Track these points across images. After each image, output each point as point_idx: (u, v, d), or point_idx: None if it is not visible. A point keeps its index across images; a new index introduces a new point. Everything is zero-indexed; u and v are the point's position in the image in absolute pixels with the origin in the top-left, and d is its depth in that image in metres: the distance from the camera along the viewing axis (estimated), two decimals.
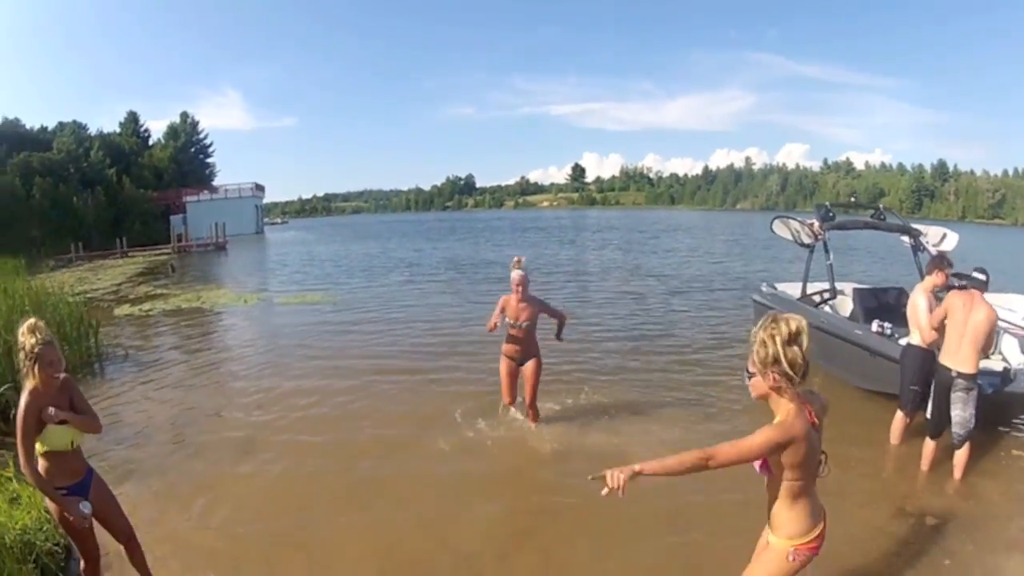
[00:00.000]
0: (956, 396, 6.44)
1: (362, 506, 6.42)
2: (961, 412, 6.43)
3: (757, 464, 3.36)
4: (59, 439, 4.14)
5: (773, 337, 3.16)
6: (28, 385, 4.09)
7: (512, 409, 8.42)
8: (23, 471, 4.05)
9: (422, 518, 6.15)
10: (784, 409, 3.25)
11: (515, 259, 7.93)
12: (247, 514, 6.15)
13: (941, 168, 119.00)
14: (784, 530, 3.40)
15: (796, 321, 3.17)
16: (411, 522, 6.08)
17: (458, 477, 7.01)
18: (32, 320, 4.20)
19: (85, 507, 4.18)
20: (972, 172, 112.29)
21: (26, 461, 4.00)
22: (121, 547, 4.70)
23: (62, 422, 4.11)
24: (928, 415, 6.86)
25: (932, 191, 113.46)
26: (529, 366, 8.03)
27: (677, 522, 5.84)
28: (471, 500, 6.52)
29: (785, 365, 3.14)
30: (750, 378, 3.32)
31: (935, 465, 6.80)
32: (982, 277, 6.60)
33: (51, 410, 4.06)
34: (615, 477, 3.19)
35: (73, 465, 4.29)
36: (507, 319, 7.84)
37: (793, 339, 3.14)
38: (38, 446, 4.08)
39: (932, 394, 6.77)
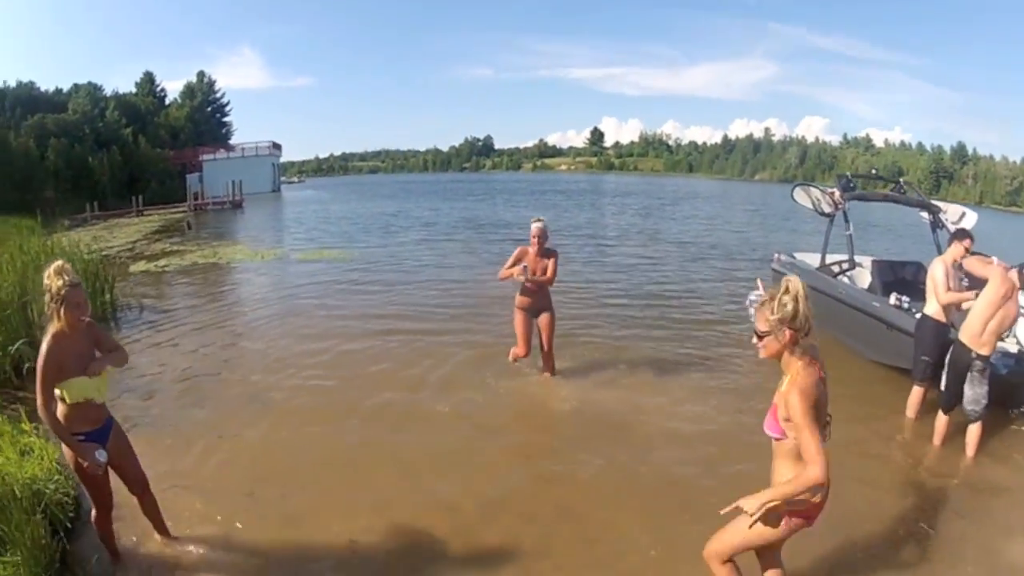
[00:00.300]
0: (973, 376, 6.41)
1: (381, 455, 6.50)
2: (977, 388, 6.40)
3: (768, 426, 3.48)
4: (80, 390, 4.09)
5: (796, 297, 3.31)
6: (52, 328, 4.05)
7: (525, 361, 8.61)
8: (40, 415, 4.01)
9: (440, 467, 6.27)
10: (794, 367, 3.39)
11: (536, 217, 8.17)
12: (255, 467, 6.15)
13: (960, 150, 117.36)
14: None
15: (800, 281, 3.36)
16: (429, 469, 6.20)
17: (476, 430, 7.15)
18: (59, 262, 4.15)
19: (101, 455, 4.16)
20: (991, 157, 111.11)
21: (44, 405, 3.97)
22: (134, 498, 4.70)
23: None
24: (942, 388, 6.79)
25: (951, 173, 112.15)
26: (544, 318, 8.24)
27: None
28: (491, 452, 6.66)
29: (801, 320, 3.30)
30: (760, 339, 3.46)
31: (947, 440, 6.75)
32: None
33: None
34: (750, 505, 3.31)
35: (93, 413, 4.24)
36: (525, 265, 7.88)
37: (805, 297, 3.33)
38: (61, 394, 4.04)
39: (947, 369, 6.71)
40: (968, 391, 6.44)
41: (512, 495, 5.75)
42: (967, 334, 6.44)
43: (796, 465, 3.32)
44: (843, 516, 5.09)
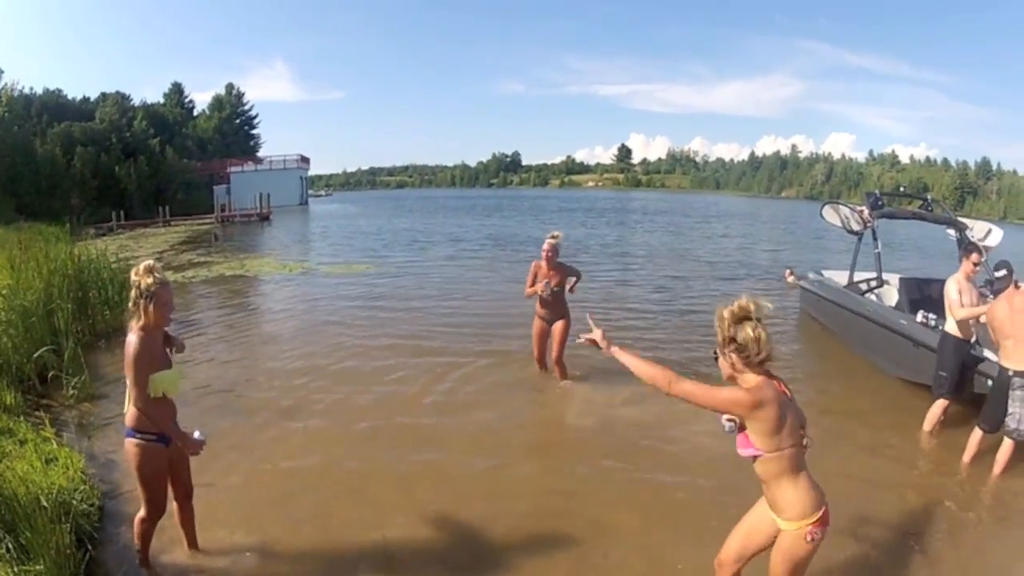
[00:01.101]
0: (1015, 395, 6.31)
1: (407, 467, 6.52)
2: (1020, 410, 6.30)
3: (740, 446, 3.45)
4: (163, 384, 4.21)
5: (722, 317, 3.35)
6: (137, 324, 4.15)
7: (541, 371, 9.16)
8: (138, 407, 4.10)
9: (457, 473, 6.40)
10: (750, 385, 3.36)
11: (552, 233, 8.70)
12: (282, 479, 6.14)
13: (985, 166, 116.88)
14: (794, 511, 3.38)
15: (747, 300, 3.31)
16: (447, 477, 6.30)
17: (491, 435, 7.37)
18: (149, 261, 4.28)
19: (201, 433, 4.34)
20: (1015, 172, 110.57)
21: (140, 396, 4.08)
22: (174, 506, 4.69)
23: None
24: (984, 414, 6.70)
25: (975, 189, 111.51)
26: (558, 324, 8.72)
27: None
28: (508, 456, 6.85)
29: (750, 350, 3.29)
30: (716, 360, 3.48)
31: (976, 460, 6.66)
32: (1001, 273, 6.75)
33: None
34: (600, 341, 3.75)
35: (169, 410, 4.32)
36: (547, 281, 8.46)
37: (743, 318, 3.29)
38: (154, 387, 4.14)
39: (991, 393, 6.64)
40: (1012, 410, 6.33)
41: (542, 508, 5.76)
42: (1003, 356, 6.43)
43: (794, 479, 3.36)
44: (860, 521, 5.32)
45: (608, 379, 8.71)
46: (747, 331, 3.28)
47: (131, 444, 4.23)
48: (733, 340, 3.32)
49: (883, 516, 5.57)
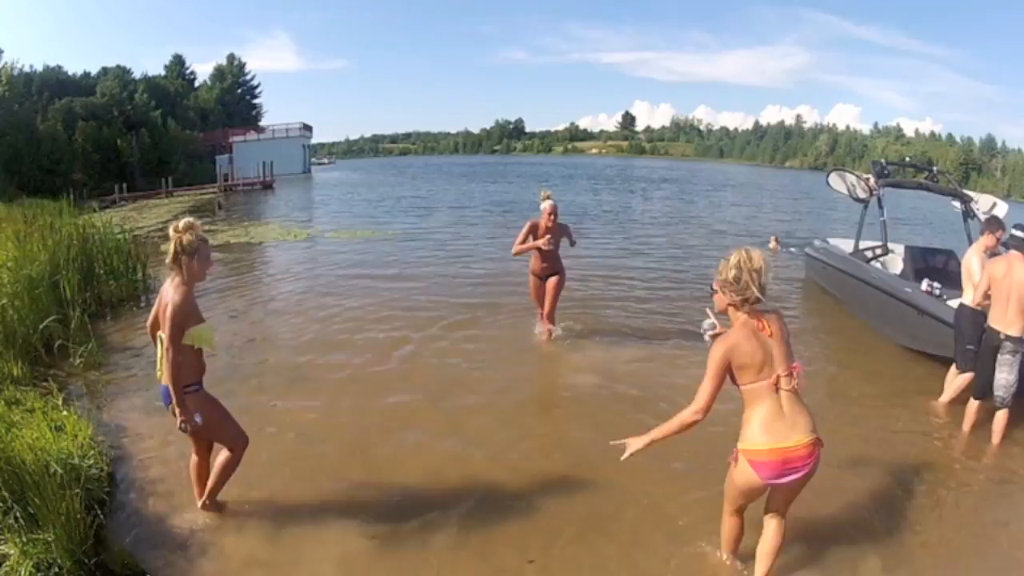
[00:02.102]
0: (1003, 359, 6.30)
1: (416, 419, 6.76)
2: (1006, 376, 6.29)
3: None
4: (201, 337, 4.41)
5: (738, 265, 3.73)
6: (179, 280, 4.34)
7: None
8: (171, 360, 4.24)
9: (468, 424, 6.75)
10: (735, 322, 3.86)
11: (544, 191, 8.97)
12: (294, 440, 6.22)
13: (989, 143, 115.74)
14: (741, 435, 3.81)
15: (759, 255, 3.75)
16: (456, 427, 6.66)
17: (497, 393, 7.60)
18: (188, 219, 4.44)
19: (199, 417, 4.43)
20: (1020, 150, 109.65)
21: (176, 350, 4.24)
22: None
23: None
24: (974, 374, 6.73)
25: (980, 165, 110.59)
26: (552, 280, 9.06)
27: None
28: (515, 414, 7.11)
29: (741, 286, 3.72)
30: (713, 294, 3.97)
31: (976, 428, 6.66)
32: (1021, 234, 6.44)
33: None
34: (632, 444, 3.93)
35: (202, 362, 4.54)
36: (541, 240, 8.67)
37: (754, 269, 3.71)
38: (191, 340, 4.33)
39: (979, 357, 6.61)
40: (999, 377, 6.32)
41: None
42: (994, 318, 6.37)
43: (748, 411, 3.78)
44: (863, 491, 5.38)
45: (609, 337, 9.07)
46: (743, 277, 3.70)
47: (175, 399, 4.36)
48: (727, 281, 3.76)
49: (875, 483, 5.65)
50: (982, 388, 6.56)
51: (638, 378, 7.88)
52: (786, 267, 15.26)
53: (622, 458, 3.93)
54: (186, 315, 4.27)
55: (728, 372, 3.76)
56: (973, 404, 6.68)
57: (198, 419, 4.40)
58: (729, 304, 3.84)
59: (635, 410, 6.83)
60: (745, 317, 3.79)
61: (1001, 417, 6.42)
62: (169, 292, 4.31)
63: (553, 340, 9.22)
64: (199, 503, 4.91)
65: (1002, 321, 6.26)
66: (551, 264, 9.01)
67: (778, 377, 3.71)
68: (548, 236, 8.63)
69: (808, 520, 4.70)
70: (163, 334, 4.32)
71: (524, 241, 8.74)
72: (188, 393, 4.37)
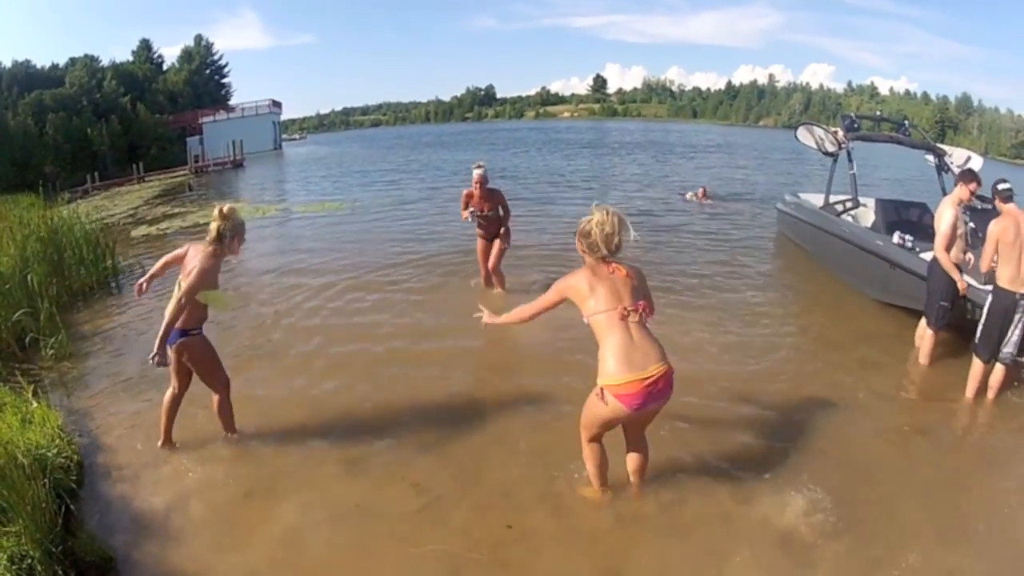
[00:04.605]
0: (1018, 318, 6.24)
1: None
2: (1021, 334, 6.26)
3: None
4: (217, 299, 5.32)
5: (595, 222, 4.26)
6: (210, 250, 5.16)
7: (487, 287, 9.98)
8: (179, 304, 4.95)
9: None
10: (584, 265, 4.39)
11: (476, 163, 9.54)
12: (268, 415, 6.21)
13: (965, 101, 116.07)
14: (600, 370, 4.18)
15: (614, 220, 4.26)
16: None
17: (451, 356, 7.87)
18: (227, 206, 5.27)
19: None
20: (996, 109, 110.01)
21: (189, 299, 4.99)
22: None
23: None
24: (978, 339, 6.54)
25: (956, 124, 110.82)
26: (496, 243, 9.63)
27: None
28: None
29: (591, 241, 4.30)
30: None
31: (978, 394, 6.54)
32: (1006, 185, 6.40)
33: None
34: (488, 317, 4.92)
35: (204, 313, 5.30)
36: (472, 209, 9.45)
37: (604, 225, 4.24)
38: (200, 296, 5.09)
39: (986, 316, 6.45)
40: (1011, 333, 6.27)
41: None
42: (1004, 279, 6.26)
43: (601, 346, 4.19)
44: (852, 459, 5.41)
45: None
46: (593, 232, 4.26)
47: (182, 344, 5.20)
48: (582, 233, 4.35)
49: (866, 450, 5.67)
50: (990, 350, 6.44)
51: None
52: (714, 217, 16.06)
53: (482, 322, 4.93)
54: (210, 279, 5.10)
55: (562, 301, 4.43)
56: (978, 366, 6.52)
57: (170, 361, 5.18)
58: (581, 250, 4.40)
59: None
60: (593, 262, 4.32)
61: (999, 373, 6.42)
62: (200, 255, 5.13)
63: (493, 294, 9.64)
64: (159, 442, 5.62)
65: (1016, 281, 6.20)
66: (490, 229, 9.62)
67: (624, 309, 4.16)
68: (471, 211, 9.43)
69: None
70: (183, 283, 5.05)
71: (465, 209, 9.51)
72: (192, 335, 5.21)
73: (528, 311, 4.60)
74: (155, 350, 4.96)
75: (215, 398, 5.57)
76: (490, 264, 9.65)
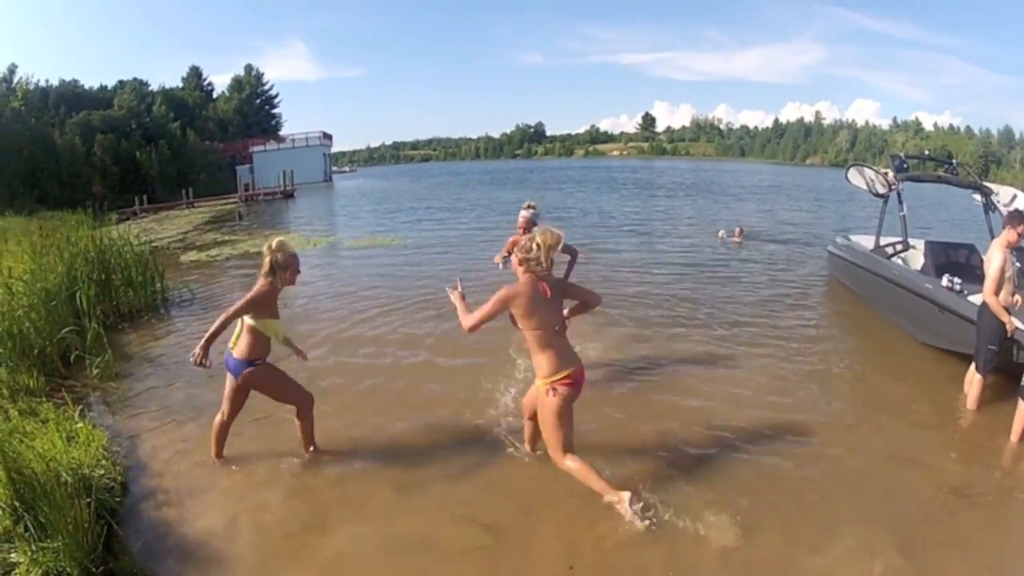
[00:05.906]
0: None
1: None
2: None
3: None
4: (273, 329, 5.55)
5: (538, 244, 4.84)
6: (266, 280, 5.45)
7: None
8: (228, 317, 5.22)
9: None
10: (520, 279, 4.97)
11: (527, 203, 8.51)
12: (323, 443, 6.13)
13: (1007, 134, 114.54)
14: (540, 373, 4.97)
15: (555, 237, 4.87)
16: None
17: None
18: (280, 239, 5.61)
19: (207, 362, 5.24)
20: None
21: (234, 317, 5.28)
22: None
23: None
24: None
25: (999, 157, 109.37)
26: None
27: None
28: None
29: (531, 260, 4.89)
30: (511, 262, 5.17)
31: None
32: None
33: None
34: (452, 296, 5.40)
35: (268, 346, 5.57)
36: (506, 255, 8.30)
37: (542, 245, 4.84)
38: (259, 325, 5.40)
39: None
40: None
41: None
42: None
43: (540, 352, 4.91)
44: (905, 503, 5.26)
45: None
46: (533, 252, 4.86)
47: (250, 374, 5.46)
48: (525, 248, 4.89)
49: (915, 493, 5.53)
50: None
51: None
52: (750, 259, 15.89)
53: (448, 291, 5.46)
54: (261, 306, 5.37)
55: (503, 312, 4.93)
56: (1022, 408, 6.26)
57: (208, 364, 5.23)
58: (519, 265, 4.93)
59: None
60: (529, 277, 4.91)
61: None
62: (256, 285, 5.44)
63: None
64: (212, 455, 5.83)
65: None
66: None
67: (555, 327, 4.95)
68: (503, 255, 8.08)
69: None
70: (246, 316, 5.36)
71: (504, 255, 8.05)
72: (256, 366, 5.45)
73: (473, 319, 4.94)
74: (197, 349, 5.16)
75: (297, 413, 5.86)
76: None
